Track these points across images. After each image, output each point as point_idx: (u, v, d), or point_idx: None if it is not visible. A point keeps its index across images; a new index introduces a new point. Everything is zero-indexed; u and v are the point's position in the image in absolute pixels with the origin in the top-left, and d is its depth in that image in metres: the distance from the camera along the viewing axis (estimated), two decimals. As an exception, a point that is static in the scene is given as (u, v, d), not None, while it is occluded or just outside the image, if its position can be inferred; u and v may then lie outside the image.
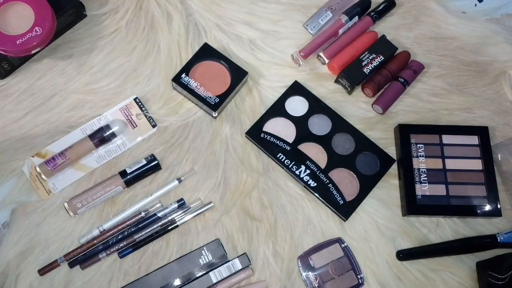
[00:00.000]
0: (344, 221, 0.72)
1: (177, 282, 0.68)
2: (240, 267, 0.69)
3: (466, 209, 0.72)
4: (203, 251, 0.69)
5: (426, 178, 0.73)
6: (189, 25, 0.81)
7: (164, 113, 0.77)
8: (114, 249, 0.70)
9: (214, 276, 0.68)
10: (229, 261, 0.69)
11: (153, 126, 0.76)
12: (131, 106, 0.76)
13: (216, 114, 0.75)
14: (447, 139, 0.76)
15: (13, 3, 0.71)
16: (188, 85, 0.75)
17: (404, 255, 0.71)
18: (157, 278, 0.68)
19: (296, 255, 0.71)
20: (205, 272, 0.69)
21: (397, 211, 0.74)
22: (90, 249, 0.70)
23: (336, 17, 0.81)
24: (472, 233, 0.73)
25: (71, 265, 0.69)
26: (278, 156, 0.74)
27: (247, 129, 0.76)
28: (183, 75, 0.75)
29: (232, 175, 0.74)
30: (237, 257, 0.69)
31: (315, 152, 0.75)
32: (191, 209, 0.72)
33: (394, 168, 0.75)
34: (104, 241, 0.70)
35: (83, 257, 0.70)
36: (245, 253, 0.70)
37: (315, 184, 0.73)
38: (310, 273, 0.70)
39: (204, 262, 0.69)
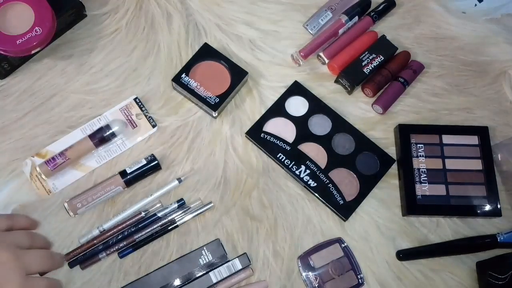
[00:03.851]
0: (344, 221, 0.72)
1: (177, 282, 0.68)
2: (240, 267, 0.69)
3: (466, 209, 0.72)
4: (203, 251, 0.69)
5: (426, 178, 0.73)
6: (189, 25, 0.81)
7: (164, 113, 0.77)
8: (114, 249, 0.70)
9: (214, 276, 0.68)
10: (229, 261, 0.69)
11: (153, 126, 0.76)
12: (131, 106, 0.76)
13: (216, 114, 0.75)
14: (447, 139, 0.76)
15: (13, 3, 0.70)
16: (188, 85, 0.75)
17: (404, 255, 0.71)
18: (157, 278, 0.68)
19: (296, 255, 0.71)
20: (205, 272, 0.69)
21: (397, 211, 0.74)
22: (90, 249, 0.70)
23: (336, 17, 0.81)
24: (472, 233, 0.73)
25: (71, 265, 0.69)
26: (278, 156, 0.74)
27: (247, 129, 0.76)
28: (183, 75, 0.75)
29: (232, 175, 0.74)
30: (237, 257, 0.69)
31: (315, 152, 0.75)
32: (191, 209, 0.72)
33: (394, 168, 0.75)
34: (104, 241, 0.70)
35: (83, 257, 0.70)
36: (245, 253, 0.70)
37: (315, 184, 0.73)
38: (310, 273, 0.70)
39: (204, 262, 0.69)
